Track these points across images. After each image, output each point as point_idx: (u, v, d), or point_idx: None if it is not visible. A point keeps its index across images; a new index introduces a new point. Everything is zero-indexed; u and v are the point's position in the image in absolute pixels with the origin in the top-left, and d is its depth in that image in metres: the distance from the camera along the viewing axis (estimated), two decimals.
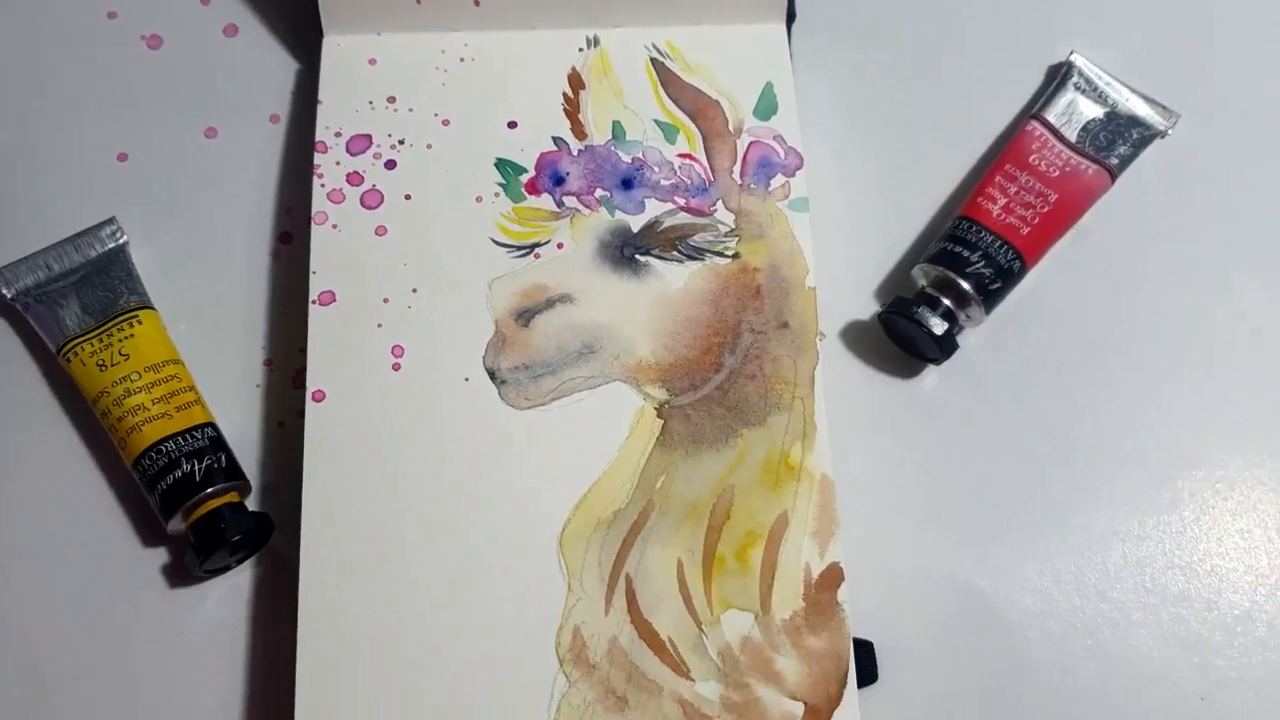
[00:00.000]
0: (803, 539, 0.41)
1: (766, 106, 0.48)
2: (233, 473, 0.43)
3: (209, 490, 0.42)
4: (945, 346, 0.45)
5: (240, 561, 0.43)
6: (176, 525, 0.42)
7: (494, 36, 0.49)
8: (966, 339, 0.47)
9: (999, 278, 0.45)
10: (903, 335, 0.47)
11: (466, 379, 0.43)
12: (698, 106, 0.48)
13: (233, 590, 0.43)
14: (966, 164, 0.51)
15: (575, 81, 0.48)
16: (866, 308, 0.49)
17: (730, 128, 0.48)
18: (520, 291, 0.45)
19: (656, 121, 0.48)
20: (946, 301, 0.45)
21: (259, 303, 0.47)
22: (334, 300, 0.44)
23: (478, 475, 0.42)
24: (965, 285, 0.45)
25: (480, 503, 0.42)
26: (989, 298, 0.45)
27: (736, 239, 0.46)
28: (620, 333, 0.44)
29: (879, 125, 0.51)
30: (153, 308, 0.45)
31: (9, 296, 0.45)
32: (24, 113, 0.50)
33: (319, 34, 0.49)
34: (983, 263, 0.45)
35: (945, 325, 0.45)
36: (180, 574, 0.43)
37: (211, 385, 0.45)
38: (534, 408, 0.43)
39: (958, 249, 0.46)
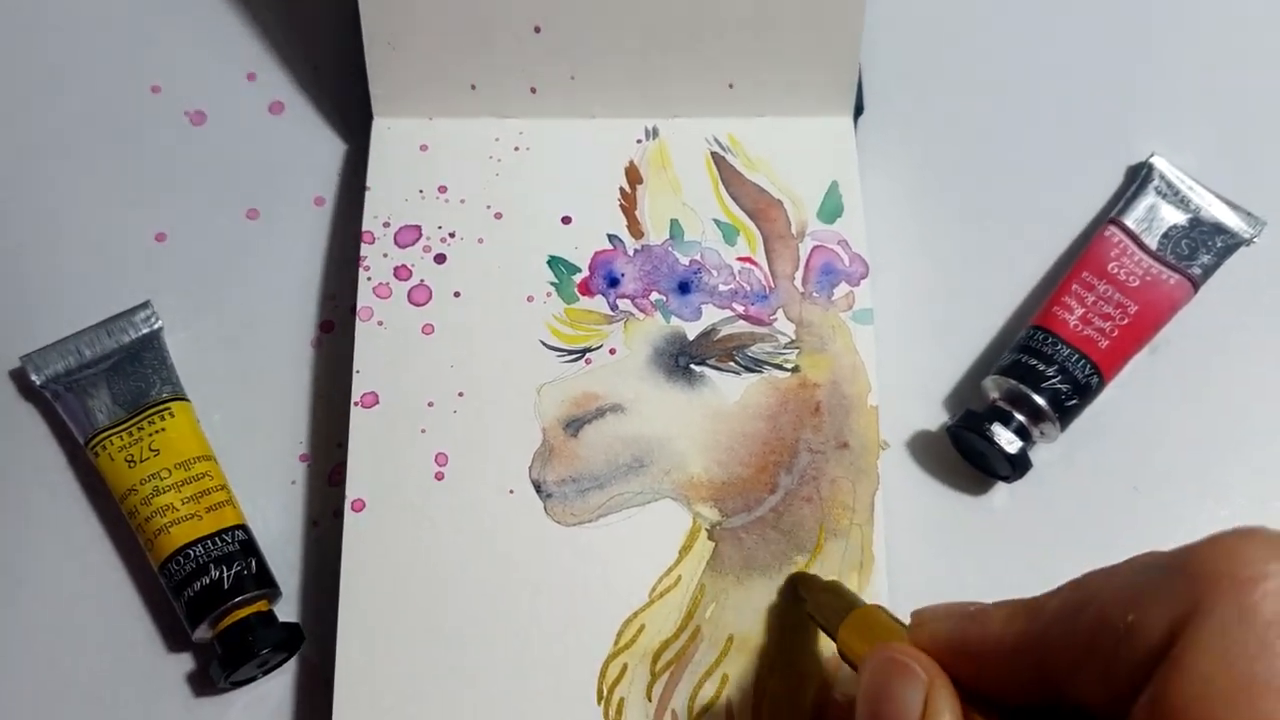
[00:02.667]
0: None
1: (831, 208, 0.47)
2: (263, 579, 0.41)
3: (238, 599, 0.40)
4: (1018, 465, 0.43)
5: (267, 673, 0.42)
6: (203, 634, 0.41)
7: (550, 124, 0.47)
8: (1039, 454, 0.45)
9: (1075, 394, 0.44)
10: (972, 450, 0.45)
11: (511, 491, 0.42)
12: (759, 206, 0.47)
13: (259, 699, 0.42)
14: (1041, 268, 0.49)
15: (633, 175, 0.47)
16: (933, 418, 0.46)
17: (793, 230, 0.46)
18: (570, 399, 0.43)
19: (716, 221, 0.46)
20: (1020, 417, 0.43)
21: (297, 394, 0.46)
22: (377, 403, 0.43)
23: (519, 594, 0.41)
24: (1040, 401, 0.43)
25: (521, 624, 0.40)
26: (1065, 414, 0.44)
27: (797, 351, 0.44)
28: (672, 447, 0.43)
29: (948, 225, 0.50)
30: (186, 398, 0.44)
31: (38, 384, 0.44)
32: (61, 188, 0.49)
33: (368, 115, 0.48)
34: (1059, 378, 0.43)
35: (1019, 443, 0.43)
36: (206, 682, 0.42)
37: (244, 480, 0.43)
38: (580, 524, 0.42)
39: (1032, 361, 0.44)
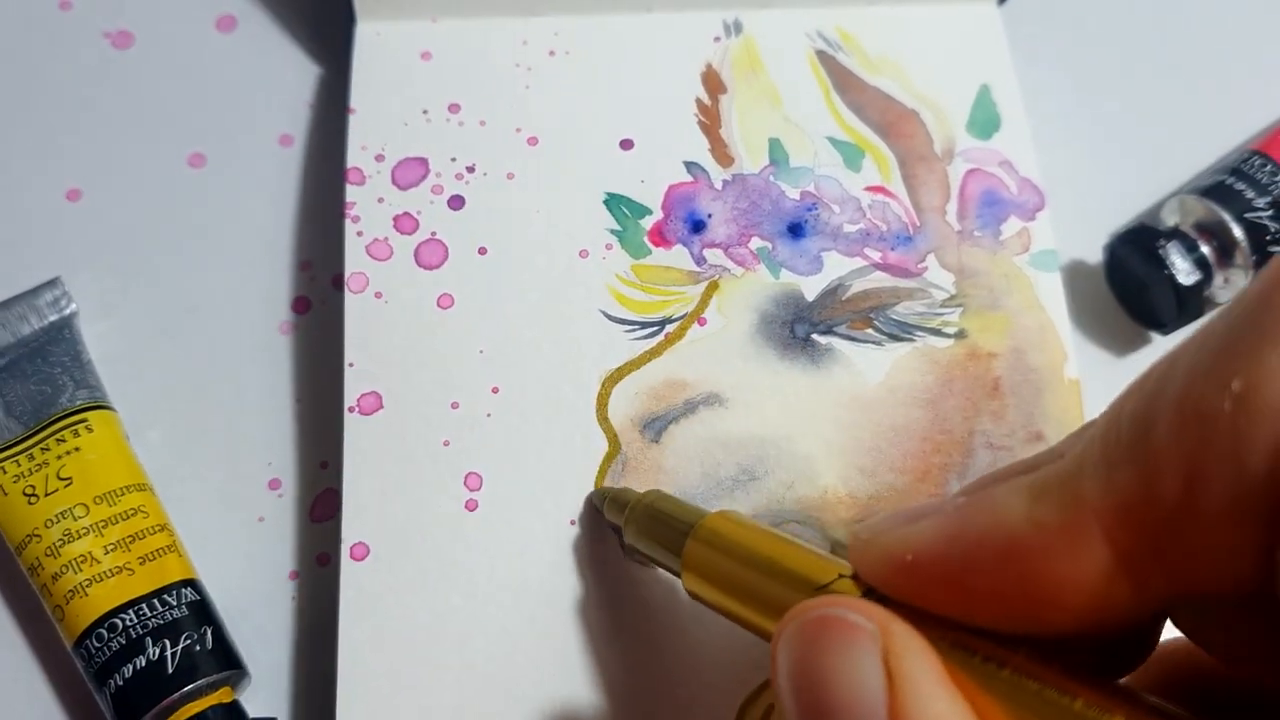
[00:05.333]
0: None
1: (985, 120, 0.41)
2: (224, 656, 0.36)
3: (188, 687, 0.35)
4: (1186, 305, 0.38)
5: None
6: None
7: (596, 21, 0.42)
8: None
9: None
10: (1130, 282, 0.40)
11: (572, 522, 0.36)
12: (888, 119, 0.41)
13: None
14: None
15: (713, 83, 0.41)
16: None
17: (936, 149, 0.40)
18: (647, 391, 0.37)
19: (832, 140, 0.40)
20: (1205, 249, 0.38)
21: (263, 399, 0.41)
22: (380, 407, 0.38)
23: (590, 674, 0.35)
24: (1237, 232, 0.38)
25: (595, 707, 0.34)
26: (1264, 262, 0.39)
27: (960, 310, 0.38)
28: (794, 450, 0.37)
29: (1123, 129, 0.45)
30: (109, 406, 0.40)
31: None
32: None
33: (349, 23, 0.42)
34: (1270, 212, 0.39)
35: (1197, 275, 0.38)
36: None
37: (193, 518, 0.39)
38: None
39: (1240, 186, 0.39)
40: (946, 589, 0.22)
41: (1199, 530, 0.19)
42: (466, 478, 0.37)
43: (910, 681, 0.21)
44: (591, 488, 0.36)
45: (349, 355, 0.38)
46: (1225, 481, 0.18)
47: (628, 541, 0.32)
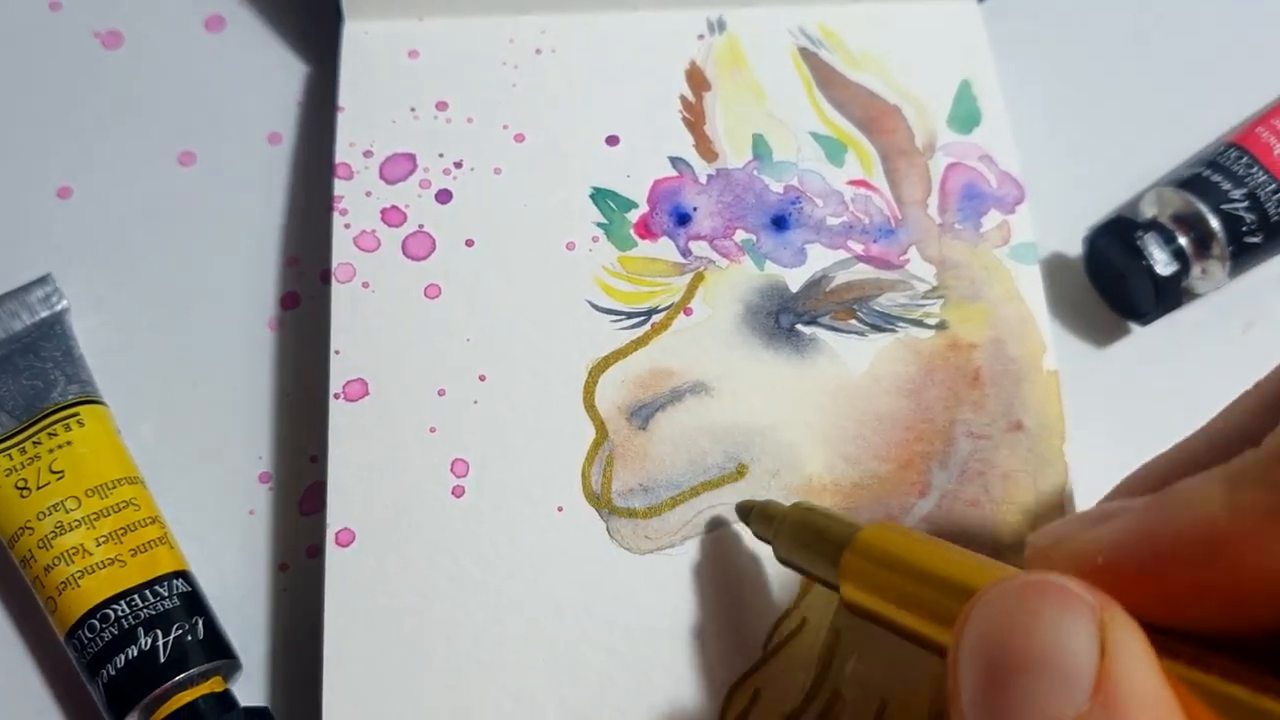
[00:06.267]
0: None
1: (965, 115, 0.41)
2: (215, 647, 0.36)
3: (180, 677, 0.35)
4: (1165, 295, 0.38)
5: None
6: None
7: (582, 20, 0.42)
8: (1188, 312, 0.40)
9: (1260, 230, 0.39)
10: (1108, 271, 0.40)
11: (560, 509, 0.36)
12: (870, 115, 0.41)
13: None
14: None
15: (697, 80, 0.41)
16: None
17: (918, 143, 0.40)
18: (633, 379, 0.37)
19: (814, 135, 0.40)
20: (1183, 240, 0.39)
21: (253, 393, 0.41)
22: (366, 394, 0.37)
23: (578, 656, 0.35)
24: (1214, 224, 0.39)
25: (584, 698, 0.34)
26: (1240, 252, 0.39)
27: (941, 301, 0.38)
28: (779, 438, 0.37)
29: (1101, 123, 0.45)
30: (100, 401, 0.40)
31: None
32: None
33: (337, 21, 0.42)
34: (1246, 204, 0.39)
35: (1175, 266, 0.38)
36: None
37: (185, 510, 0.39)
38: (658, 551, 0.36)
39: (1216, 178, 0.39)
40: (1144, 589, 0.21)
41: None
42: (453, 464, 0.37)
43: (1123, 655, 0.20)
44: (578, 473, 0.36)
45: (335, 343, 0.38)
46: None
47: (780, 556, 0.32)
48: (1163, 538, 0.21)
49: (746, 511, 0.33)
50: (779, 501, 0.32)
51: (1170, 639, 0.21)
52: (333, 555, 0.35)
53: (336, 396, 0.37)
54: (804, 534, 0.30)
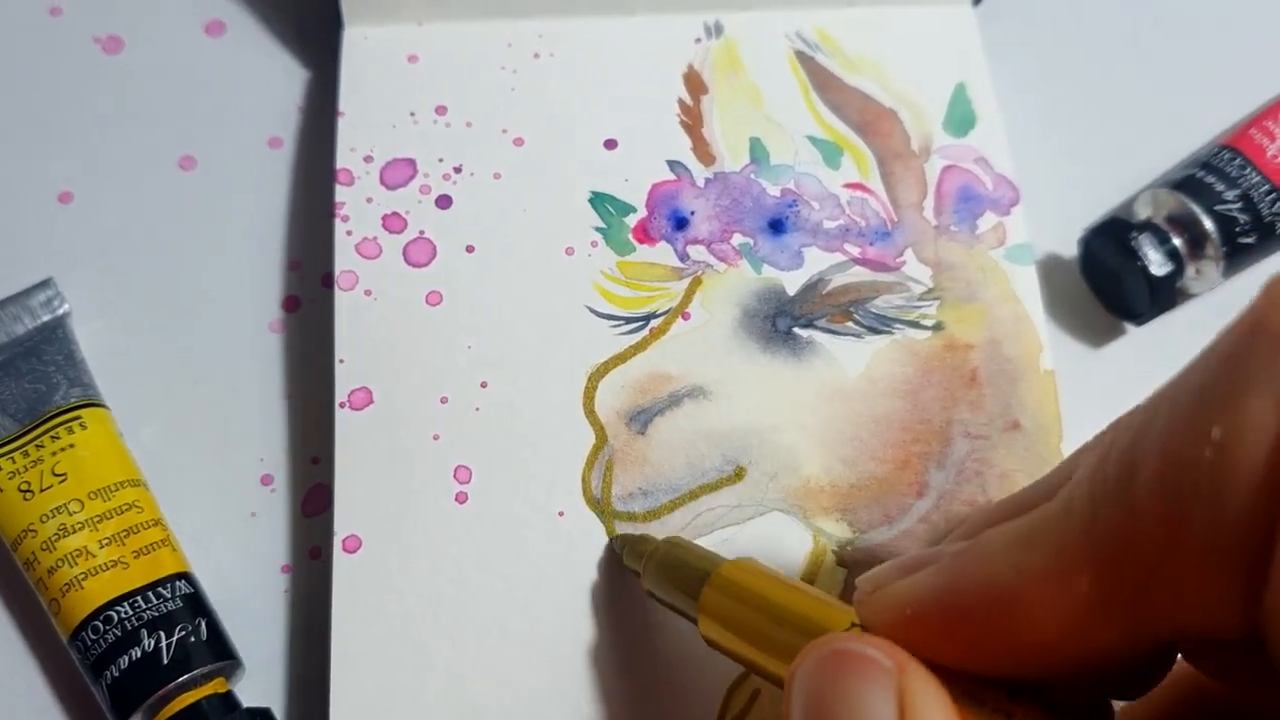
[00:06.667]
0: None
1: (960, 118, 0.41)
2: (218, 648, 0.36)
3: (183, 678, 0.35)
4: (1159, 295, 0.38)
5: None
6: None
7: (579, 24, 0.42)
8: (1184, 312, 0.40)
9: (1254, 230, 0.39)
10: (1105, 273, 0.40)
11: (561, 514, 0.36)
12: (866, 118, 0.41)
13: None
14: None
15: (694, 84, 0.41)
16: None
17: (913, 147, 0.40)
18: (632, 384, 0.37)
19: (811, 139, 0.40)
20: (1177, 241, 0.39)
21: (254, 397, 0.41)
22: (370, 402, 0.37)
23: (580, 659, 0.34)
24: (1208, 224, 0.39)
25: (586, 700, 0.34)
26: (1234, 253, 0.39)
27: (937, 303, 0.38)
28: (777, 441, 0.37)
29: (1095, 125, 0.44)
30: (102, 404, 0.39)
31: None
32: None
33: (335, 27, 0.42)
34: (1239, 205, 0.39)
35: (1169, 267, 0.38)
36: None
37: (187, 513, 0.39)
38: None
39: (1210, 179, 0.39)
40: (946, 640, 0.22)
41: (1183, 575, 0.18)
42: (456, 470, 0.36)
43: (921, 715, 0.21)
44: (578, 478, 0.36)
45: (339, 352, 0.38)
46: (1206, 528, 0.18)
47: (645, 587, 0.32)
48: (958, 593, 0.22)
49: (622, 545, 0.34)
50: (652, 536, 0.33)
51: (980, 685, 0.22)
52: (340, 561, 0.35)
53: (342, 405, 0.37)
54: (668, 568, 0.31)
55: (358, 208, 0.39)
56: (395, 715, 0.34)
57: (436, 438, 0.37)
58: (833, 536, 0.35)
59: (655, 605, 0.34)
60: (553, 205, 0.39)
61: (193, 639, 0.35)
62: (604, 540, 0.35)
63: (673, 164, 0.40)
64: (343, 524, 0.36)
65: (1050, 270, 0.40)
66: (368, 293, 0.38)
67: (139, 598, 0.36)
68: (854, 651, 0.22)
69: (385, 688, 0.34)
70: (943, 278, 0.38)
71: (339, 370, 0.38)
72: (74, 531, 0.36)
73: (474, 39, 0.41)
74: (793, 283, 0.38)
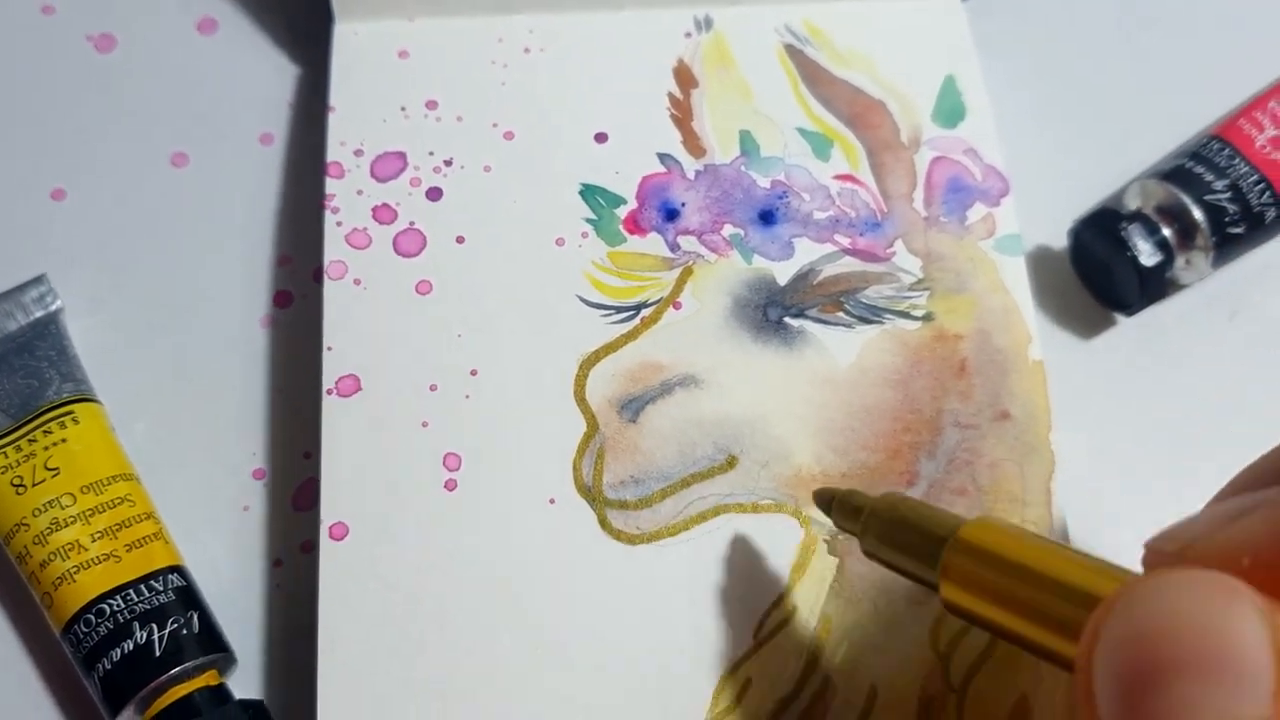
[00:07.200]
0: None
1: (950, 109, 0.41)
2: (210, 640, 0.36)
3: (175, 670, 0.35)
4: (1149, 285, 0.38)
5: None
6: None
7: (570, 19, 0.42)
8: (1176, 302, 0.40)
9: (1243, 221, 0.39)
10: (1095, 263, 0.40)
11: (552, 501, 0.36)
12: (856, 110, 0.41)
13: None
14: None
15: (684, 78, 0.41)
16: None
17: (903, 138, 0.40)
18: (624, 372, 0.37)
19: (801, 131, 0.40)
20: (1167, 231, 0.39)
21: (246, 391, 0.41)
22: (359, 389, 0.37)
23: (570, 646, 0.34)
24: (1197, 215, 0.38)
25: (575, 687, 0.34)
26: (1223, 243, 0.39)
27: (927, 293, 0.38)
28: (768, 430, 0.37)
29: (1085, 117, 0.44)
30: (95, 399, 0.40)
31: None
32: None
33: (328, 22, 0.42)
34: (1228, 195, 0.39)
35: (1159, 257, 0.38)
36: None
37: (179, 507, 0.39)
38: (650, 542, 0.36)
39: (1199, 169, 0.39)
40: None
41: None
42: (445, 458, 0.36)
43: None
44: (569, 466, 0.36)
45: (327, 339, 0.38)
46: None
47: (865, 549, 0.30)
48: None
49: (827, 501, 0.31)
50: (862, 491, 0.31)
51: None
52: (327, 549, 0.35)
53: (329, 392, 0.37)
54: (896, 529, 0.29)
55: (348, 199, 0.39)
56: (384, 703, 0.34)
57: (426, 425, 0.37)
58: (824, 525, 0.35)
59: (644, 594, 0.34)
60: (543, 197, 0.39)
61: (185, 632, 0.35)
62: (595, 528, 0.35)
63: (663, 156, 0.40)
64: (329, 511, 0.36)
65: (1040, 261, 0.40)
66: (357, 281, 0.38)
67: (131, 591, 0.36)
68: (1222, 580, 0.19)
69: (373, 675, 0.34)
70: (932, 268, 0.38)
71: (326, 357, 0.37)
72: (66, 525, 0.36)
73: (464, 34, 0.41)
74: (783, 273, 0.38)
